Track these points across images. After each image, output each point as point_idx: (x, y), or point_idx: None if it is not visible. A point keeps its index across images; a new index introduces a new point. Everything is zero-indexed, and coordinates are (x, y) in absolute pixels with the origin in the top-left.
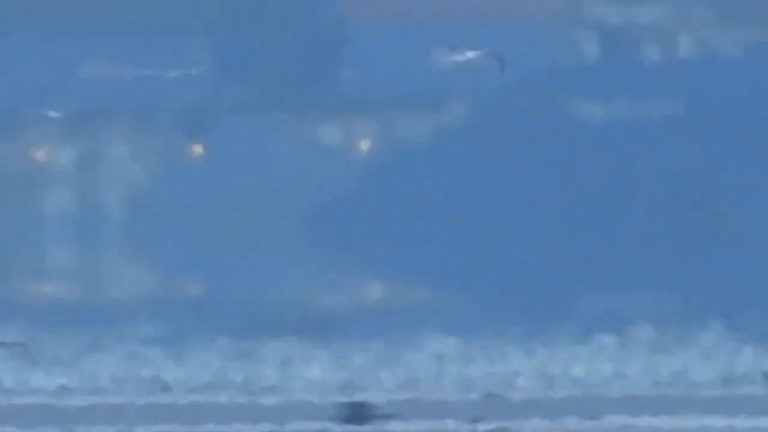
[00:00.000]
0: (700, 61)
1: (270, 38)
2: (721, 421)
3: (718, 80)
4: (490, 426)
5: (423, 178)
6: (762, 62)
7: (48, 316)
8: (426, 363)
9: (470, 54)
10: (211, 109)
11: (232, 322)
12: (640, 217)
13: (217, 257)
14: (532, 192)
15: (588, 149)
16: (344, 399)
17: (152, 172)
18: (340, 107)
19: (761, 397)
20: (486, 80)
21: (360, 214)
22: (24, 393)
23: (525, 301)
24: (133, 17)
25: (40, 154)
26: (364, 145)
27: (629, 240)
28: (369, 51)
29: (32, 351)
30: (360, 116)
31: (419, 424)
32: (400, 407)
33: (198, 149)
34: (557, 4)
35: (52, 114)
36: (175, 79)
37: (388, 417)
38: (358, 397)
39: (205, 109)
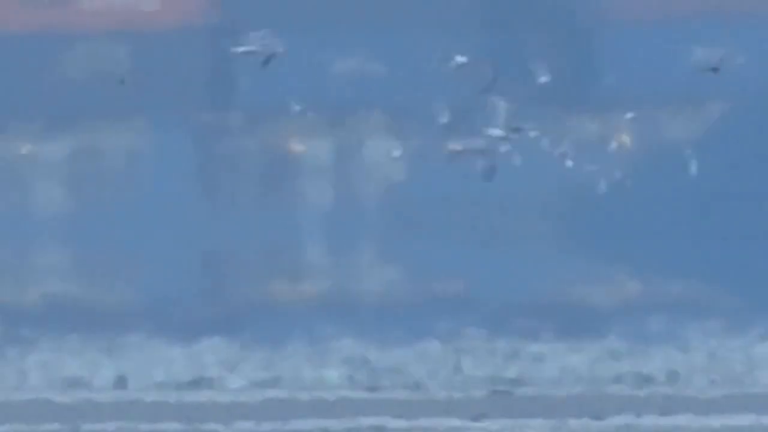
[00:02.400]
0: None
1: (529, 35)
2: None
3: None
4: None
5: (680, 175)
6: None
7: (302, 312)
8: (680, 356)
9: (730, 53)
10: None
11: (489, 318)
12: None
13: (473, 253)
14: None
15: None
16: None
17: (409, 167)
18: (598, 105)
19: None
20: (745, 79)
21: (618, 212)
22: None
23: None
24: (392, 13)
25: (299, 149)
26: (622, 142)
27: None
28: (627, 50)
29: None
30: (617, 114)
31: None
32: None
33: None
34: None
35: (311, 109)
36: (432, 74)
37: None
38: None
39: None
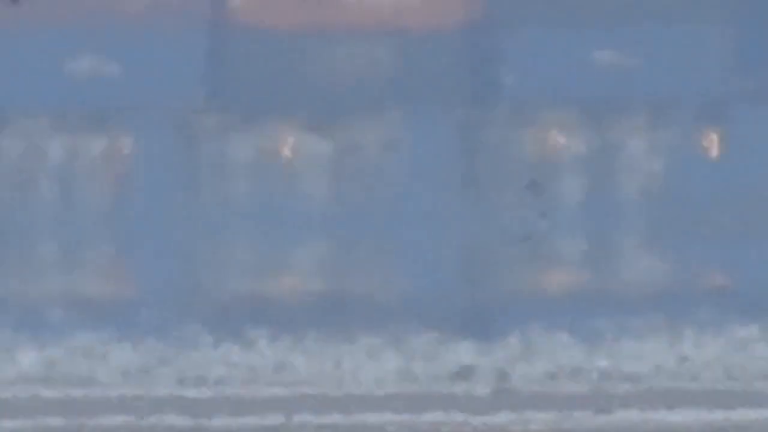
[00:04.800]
0: None
1: None
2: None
3: None
4: None
5: None
6: None
7: (563, 305)
8: None
9: None
10: (729, 99)
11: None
12: None
13: (736, 248)
14: None
15: None
16: None
17: (669, 163)
18: None
19: None
20: None
21: None
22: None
23: None
24: (643, 6)
25: (555, 142)
26: None
27: None
28: None
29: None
30: None
31: None
32: None
33: (716, 141)
34: None
35: (566, 102)
36: (692, 68)
37: None
38: None
39: (723, 100)
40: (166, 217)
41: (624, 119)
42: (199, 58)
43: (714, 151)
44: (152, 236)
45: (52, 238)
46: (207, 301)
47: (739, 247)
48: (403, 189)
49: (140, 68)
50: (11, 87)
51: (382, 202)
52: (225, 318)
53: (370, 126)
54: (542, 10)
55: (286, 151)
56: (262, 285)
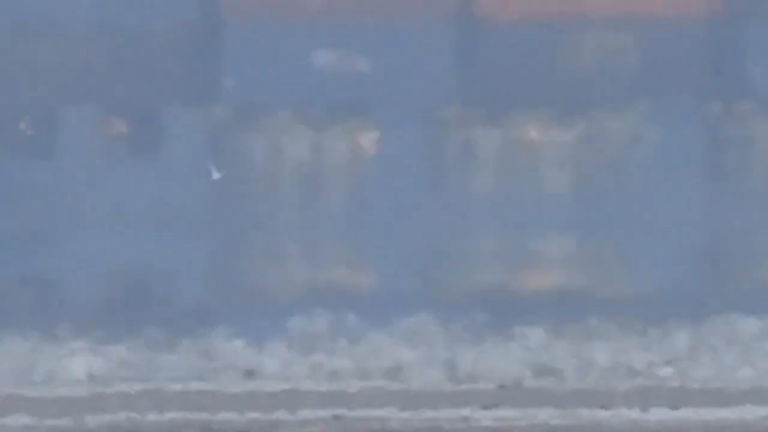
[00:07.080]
0: None
1: None
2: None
3: None
4: None
5: None
6: None
7: None
8: None
9: None
10: None
11: None
12: None
13: None
14: None
15: None
16: None
17: None
18: None
19: None
20: None
21: None
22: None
23: None
24: None
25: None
26: None
27: None
28: None
29: None
30: None
31: None
32: None
33: None
34: None
35: None
36: None
37: None
38: None
39: None
40: (413, 209)
41: None
42: (445, 51)
43: None
44: (399, 229)
45: (296, 231)
46: (451, 293)
47: None
48: (649, 182)
49: (387, 62)
50: (262, 82)
51: (627, 195)
52: (468, 310)
53: (615, 118)
54: None
55: (532, 144)
56: (507, 277)
